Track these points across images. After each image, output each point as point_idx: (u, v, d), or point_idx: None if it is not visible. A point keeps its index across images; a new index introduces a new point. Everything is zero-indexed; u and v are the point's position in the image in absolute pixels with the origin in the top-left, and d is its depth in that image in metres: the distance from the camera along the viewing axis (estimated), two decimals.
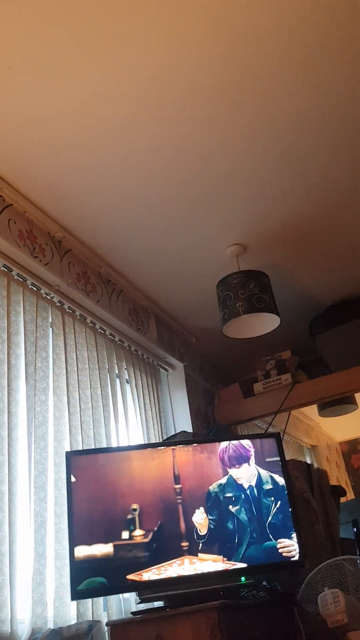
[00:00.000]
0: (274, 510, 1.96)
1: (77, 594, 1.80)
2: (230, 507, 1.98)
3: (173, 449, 2.03)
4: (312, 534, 2.48)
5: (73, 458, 1.96)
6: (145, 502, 1.96)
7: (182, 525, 1.96)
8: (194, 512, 1.94)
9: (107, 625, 1.82)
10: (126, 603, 2.19)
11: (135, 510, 1.93)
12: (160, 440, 2.88)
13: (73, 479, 1.92)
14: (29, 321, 2.14)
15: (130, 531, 1.91)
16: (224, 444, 2.10)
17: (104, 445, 2.32)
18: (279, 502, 1.95)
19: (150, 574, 1.84)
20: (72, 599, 1.82)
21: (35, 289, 2.24)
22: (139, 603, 1.98)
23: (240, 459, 2.06)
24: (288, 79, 1.88)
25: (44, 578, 1.81)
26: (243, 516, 1.97)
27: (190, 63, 1.77)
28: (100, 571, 1.81)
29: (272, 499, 1.94)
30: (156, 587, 1.89)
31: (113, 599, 2.07)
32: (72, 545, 1.84)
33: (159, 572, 1.83)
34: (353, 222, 2.67)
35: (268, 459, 2.05)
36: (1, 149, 1.97)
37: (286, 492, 1.95)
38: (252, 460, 2.05)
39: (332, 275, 3.11)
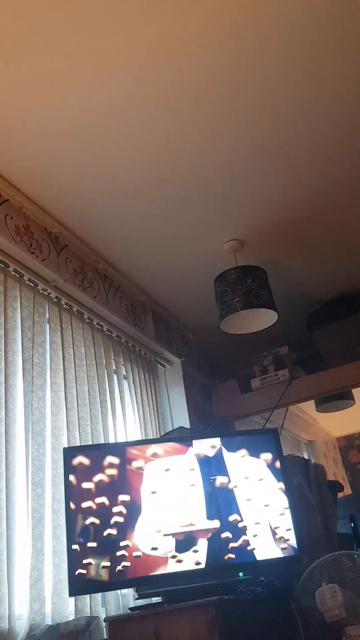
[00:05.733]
0: None
1: (75, 590, 1.80)
2: None
3: None
4: (310, 529, 2.49)
5: (70, 454, 1.95)
6: None
7: None
8: None
9: (105, 621, 1.82)
10: (124, 599, 2.19)
11: None
12: (158, 436, 2.88)
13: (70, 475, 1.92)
14: (26, 317, 2.13)
15: None
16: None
17: (102, 442, 2.32)
18: None
19: None
20: (70, 595, 1.83)
21: (32, 285, 2.23)
22: (137, 599, 1.98)
23: None
24: (286, 75, 1.87)
25: (42, 574, 1.81)
26: None
27: (188, 56, 1.76)
28: None
29: None
30: (154, 583, 1.89)
31: (111, 594, 2.07)
32: (70, 541, 1.83)
33: None
34: (351, 217, 2.67)
35: None
36: None
37: None
38: None
39: (330, 271, 3.11)
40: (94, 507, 1.88)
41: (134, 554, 1.85)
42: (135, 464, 1.99)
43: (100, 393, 2.43)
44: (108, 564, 1.82)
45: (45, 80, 1.76)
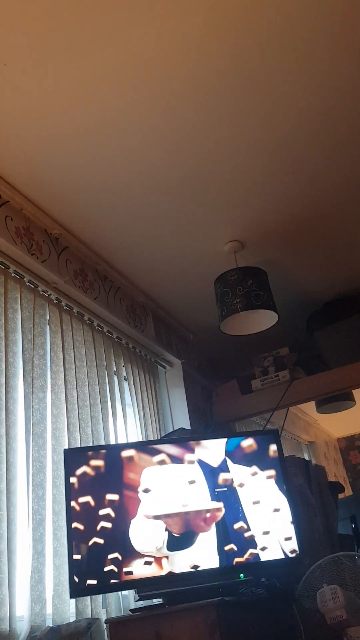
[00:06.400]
0: None
1: (76, 592, 1.80)
2: None
3: None
4: (311, 530, 2.48)
5: (71, 455, 1.95)
6: None
7: None
8: None
9: (106, 622, 1.82)
10: (125, 600, 2.19)
11: None
12: (158, 438, 2.88)
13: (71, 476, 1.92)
14: (26, 319, 2.13)
15: None
16: None
17: (102, 443, 2.32)
18: None
19: None
20: (71, 596, 1.82)
21: (32, 287, 2.23)
22: (138, 600, 1.98)
23: None
24: (287, 75, 1.87)
25: (43, 576, 1.81)
26: None
27: (189, 59, 1.76)
28: None
29: None
30: (155, 585, 1.89)
31: (112, 596, 2.07)
32: (71, 542, 1.83)
33: None
34: (350, 218, 2.67)
35: None
36: None
37: None
38: None
39: (330, 272, 3.11)
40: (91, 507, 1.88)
41: (125, 569, 1.83)
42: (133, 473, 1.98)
43: (100, 394, 2.43)
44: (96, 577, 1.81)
45: (47, 83, 1.77)
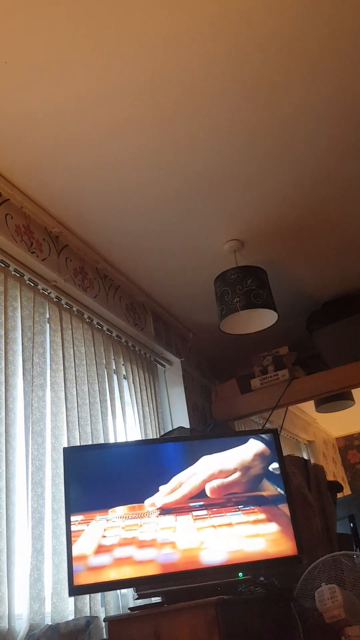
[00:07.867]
0: None
1: (75, 590, 1.80)
2: None
3: None
4: (309, 529, 2.49)
5: (70, 454, 1.95)
6: None
7: None
8: None
9: (104, 621, 1.82)
10: (124, 599, 2.19)
11: None
12: (158, 437, 2.88)
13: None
14: (26, 317, 2.13)
15: None
16: None
17: (101, 441, 2.32)
18: None
19: None
20: (70, 594, 1.82)
21: (32, 285, 2.23)
22: (137, 599, 1.98)
23: None
24: (285, 76, 1.87)
25: (42, 574, 1.81)
26: None
27: (189, 61, 1.76)
28: None
29: None
30: (154, 583, 1.89)
31: (110, 594, 2.07)
32: (70, 540, 1.83)
33: None
34: (350, 217, 2.67)
35: None
36: None
37: None
38: None
39: (330, 271, 3.11)
40: None
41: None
42: None
43: (100, 393, 2.43)
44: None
45: (48, 84, 1.76)
